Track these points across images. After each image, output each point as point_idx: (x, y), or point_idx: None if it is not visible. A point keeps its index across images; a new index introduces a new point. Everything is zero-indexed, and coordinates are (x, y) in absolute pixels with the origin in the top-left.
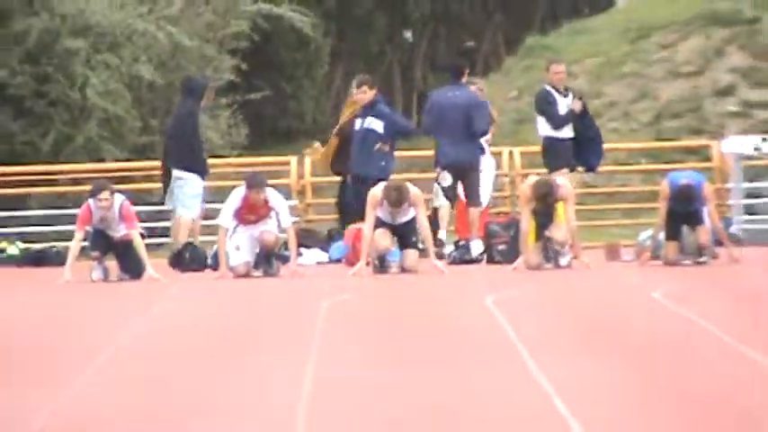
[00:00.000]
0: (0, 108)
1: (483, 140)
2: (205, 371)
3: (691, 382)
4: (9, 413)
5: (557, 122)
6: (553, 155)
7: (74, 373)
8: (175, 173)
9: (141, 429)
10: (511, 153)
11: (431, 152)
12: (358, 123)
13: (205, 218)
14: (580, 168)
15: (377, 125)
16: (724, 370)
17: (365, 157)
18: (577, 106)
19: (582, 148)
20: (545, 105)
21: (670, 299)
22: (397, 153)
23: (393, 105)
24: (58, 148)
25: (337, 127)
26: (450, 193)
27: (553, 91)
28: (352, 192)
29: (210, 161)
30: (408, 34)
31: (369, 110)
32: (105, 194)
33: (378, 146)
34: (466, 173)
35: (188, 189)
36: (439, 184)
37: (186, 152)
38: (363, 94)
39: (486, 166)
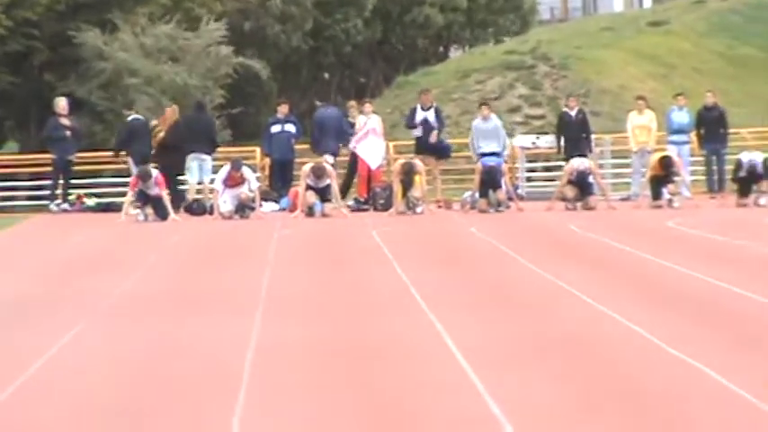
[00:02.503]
0: (86, 117)
1: (380, 133)
2: (206, 267)
3: (488, 270)
4: (92, 290)
5: (408, 125)
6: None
7: (136, 265)
8: (201, 156)
9: (183, 295)
10: (387, 146)
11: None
12: (278, 127)
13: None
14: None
15: (291, 128)
16: (506, 269)
17: (286, 148)
18: (433, 138)
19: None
20: (408, 115)
21: (481, 231)
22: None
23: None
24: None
25: (164, 131)
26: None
27: (418, 107)
28: (277, 169)
29: None
30: (326, 75)
31: (285, 119)
32: (147, 175)
33: (293, 141)
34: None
35: (206, 165)
36: (326, 161)
37: (209, 143)
38: (283, 108)
39: (379, 146)
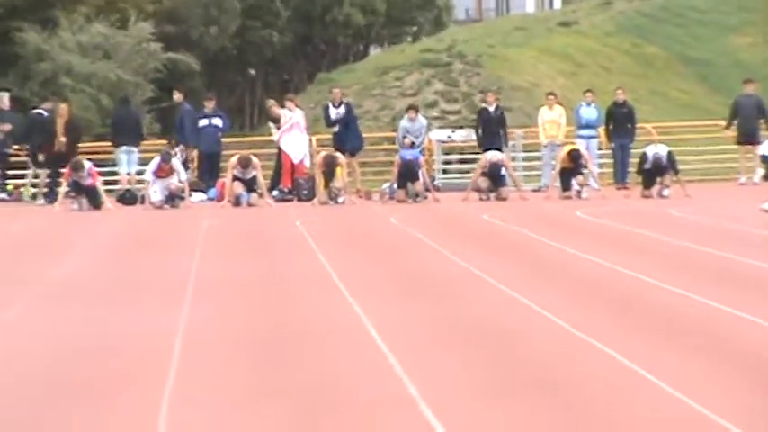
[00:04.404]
0: (21, 112)
1: (304, 128)
2: (136, 255)
3: (407, 258)
4: (25, 277)
5: (327, 124)
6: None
7: (70, 252)
8: (130, 148)
9: (114, 281)
10: (310, 140)
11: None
12: (206, 121)
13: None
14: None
15: (218, 122)
16: (423, 257)
17: (212, 141)
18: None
19: (349, 139)
20: (327, 118)
21: (400, 221)
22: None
23: (241, 114)
24: None
25: (64, 126)
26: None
27: (330, 105)
28: (205, 160)
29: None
30: (252, 72)
31: (213, 113)
32: (79, 166)
33: (219, 134)
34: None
35: (134, 157)
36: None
37: (138, 136)
38: (210, 102)
39: (302, 140)
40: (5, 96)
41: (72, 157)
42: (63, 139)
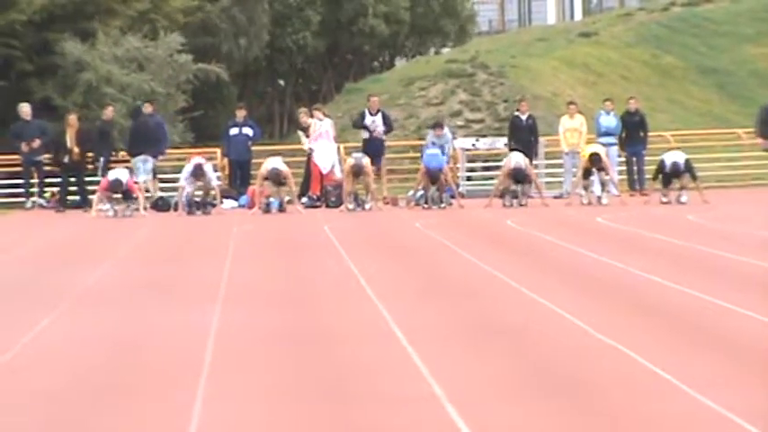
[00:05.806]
0: (58, 121)
1: (332, 137)
2: (170, 259)
3: (431, 262)
4: (66, 280)
5: (355, 125)
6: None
7: (106, 257)
8: (146, 157)
9: (149, 285)
10: (338, 148)
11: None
12: (236, 130)
13: (171, 180)
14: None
15: (249, 131)
16: (448, 261)
17: (243, 149)
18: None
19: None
20: (357, 119)
21: (425, 226)
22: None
23: (271, 123)
24: None
25: (75, 137)
26: None
27: (366, 111)
28: (235, 168)
29: (174, 150)
30: (282, 82)
31: (244, 122)
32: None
33: (250, 143)
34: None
35: (149, 165)
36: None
37: (154, 145)
38: (241, 112)
39: (331, 150)
40: (26, 107)
41: (84, 166)
42: (76, 150)
